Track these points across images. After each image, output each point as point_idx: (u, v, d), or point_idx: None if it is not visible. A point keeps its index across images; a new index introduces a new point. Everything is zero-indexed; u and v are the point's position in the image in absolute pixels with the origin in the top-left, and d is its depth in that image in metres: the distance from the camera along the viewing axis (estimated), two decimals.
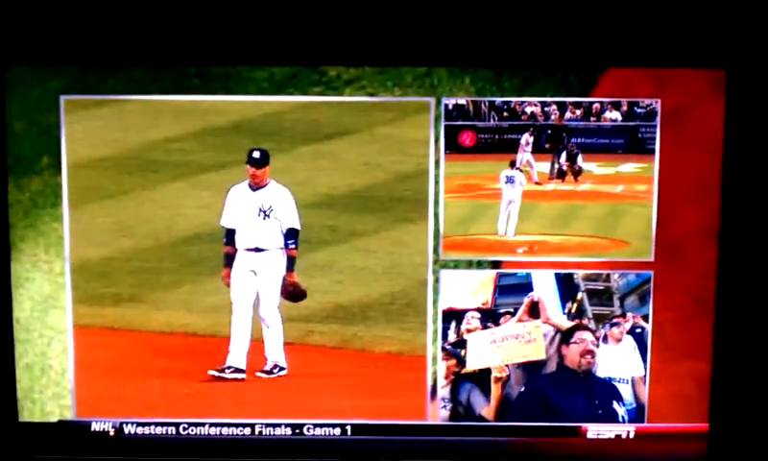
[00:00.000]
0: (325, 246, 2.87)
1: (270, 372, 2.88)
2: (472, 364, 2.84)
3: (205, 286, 2.87)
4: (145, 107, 2.76)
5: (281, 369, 2.88)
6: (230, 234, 2.89)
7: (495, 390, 2.84)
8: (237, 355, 2.87)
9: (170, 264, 2.86)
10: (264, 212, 2.88)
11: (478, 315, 2.83)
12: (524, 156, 2.78)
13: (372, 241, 2.86)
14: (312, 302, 2.87)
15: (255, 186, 2.87)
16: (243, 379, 2.87)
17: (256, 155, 2.81)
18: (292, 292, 2.87)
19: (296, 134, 2.81)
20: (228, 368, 2.86)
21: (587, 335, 2.83)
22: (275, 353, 2.88)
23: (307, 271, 2.87)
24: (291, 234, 2.86)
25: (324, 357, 2.88)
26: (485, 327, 2.82)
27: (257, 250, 2.90)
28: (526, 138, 2.76)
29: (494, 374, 2.84)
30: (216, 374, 2.85)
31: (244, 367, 2.87)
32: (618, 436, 2.84)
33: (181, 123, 2.79)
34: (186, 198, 2.85)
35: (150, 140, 2.80)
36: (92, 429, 2.85)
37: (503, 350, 2.83)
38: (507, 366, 2.83)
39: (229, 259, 2.89)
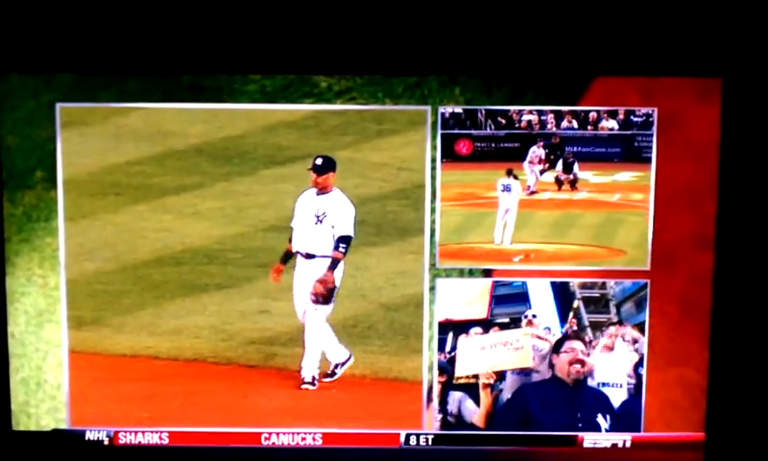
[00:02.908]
0: (288, 269, 2.87)
1: (311, 383, 2.89)
2: (462, 371, 2.85)
3: (167, 309, 2.86)
4: (106, 129, 2.76)
5: (313, 384, 2.88)
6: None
7: (485, 397, 2.84)
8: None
9: (132, 287, 2.86)
10: (317, 217, 2.86)
11: (480, 330, 2.84)
12: (534, 168, 2.79)
13: None
14: (275, 324, 2.87)
15: (319, 191, 2.85)
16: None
17: (318, 161, 2.80)
18: (322, 291, 2.85)
19: (257, 158, 2.82)
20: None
21: (576, 344, 2.83)
22: (310, 367, 2.88)
23: (270, 294, 2.87)
24: (342, 240, 2.85)
25: (287, 380, 2.88)
26: None
27: (308, 256, 2.89)
28: (537, 153, 2.77)
29: (482, 380, 2.84)
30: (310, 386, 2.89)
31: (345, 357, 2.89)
32: (615, 445, 2.84)
33: (143, 146, 2.79)
34: (148, 221, 2.84)
35: (111, 163, 2.79)
36: (86, 438, 2.85)
37: (492, 356, 2.84)
38: (496, 373, 2.84)
39: (286, 256, 2.88)
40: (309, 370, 2.88)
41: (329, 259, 2.87)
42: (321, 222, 2.86)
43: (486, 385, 2.84)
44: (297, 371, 2.88)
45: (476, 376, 2.84)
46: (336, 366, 2.88)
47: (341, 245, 2.85)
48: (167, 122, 2.77)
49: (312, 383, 2.88)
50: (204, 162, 2.82)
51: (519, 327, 2.83)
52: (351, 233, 2.83)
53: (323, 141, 2.79)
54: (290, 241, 2.87)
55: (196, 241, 2.86)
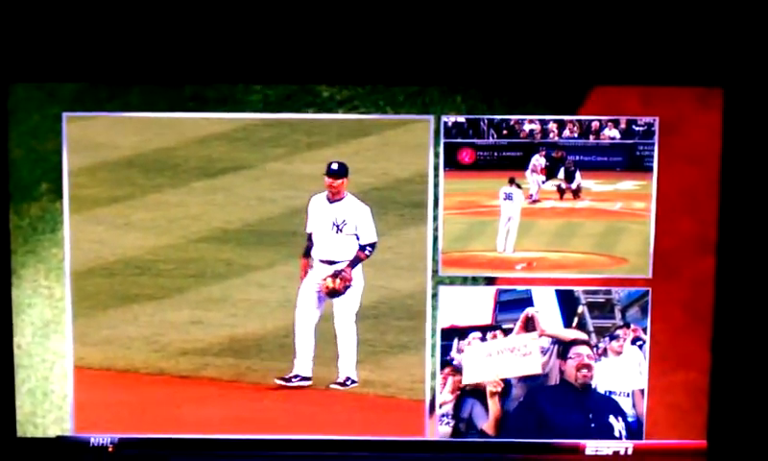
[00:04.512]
0: (220, 280, 2.87)
1: (343, 384, 2.89)
2: (468, 378, 2.85)
3: (99, 320, 2.86)
4: None
5: (353, 382, 2.89)
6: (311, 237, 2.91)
7: (493, 404, 2.85)
8: (303, 364, 2.89)
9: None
10: (337, 226, 2.88)
11: (479, 335, 2.85)
12: (536, 177, 2.80)
13: (267, 275, 2.88)
14: (207, 335, 2.88)
15: (332, 198, 2.86)
16: (309, 387, 2.89)
17: (334, 166, 2.82)
18: (339, 286, 2.88)
19: (189, 170, 2.83)
20: (296, 377, 2.88)
21: (583, 349, 2.84)
22: (347, 367, 2.88)
23: (202, 304, 2.87)
24: (369, 245, 2.87)
25: (218, 390, 2.89)
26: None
27: (330, 262, 2.91)
28: (538, 162, 2.78)
29: (490, 388, 2.85)
30: (283, 382, 2.88)
31: (310, 375, 2.89)
32: (617, 453, 2.85)
33: (74, 157, 2.79)
34: (80, 232, 2.83)
35: None
36: (91, 444, 2.88)
37: (499, 363, 2.84)
38: (504, 380, 2.85)
39: (308, 250, 2.90)
40: (344, 370, 2.89)
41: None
42: (341, 230, 2.88)
43: (493, 393, 2.85)
44: (229, 381, 2.89)
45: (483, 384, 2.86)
46: (347, 379, 2.89)
47: (367, 248, 2.87)
48: (99, 134, 2.78)
49: (344, 384, 2.89)
50: (136, 174, 2.83)
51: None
52: (376, 239, 2.85)
53: (254, 153, 2.81)
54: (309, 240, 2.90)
55: (128, 252, 2.86)
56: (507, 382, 2.85)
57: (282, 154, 2.81)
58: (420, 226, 2.81)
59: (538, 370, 2.84)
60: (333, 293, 2.89)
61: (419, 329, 2.84)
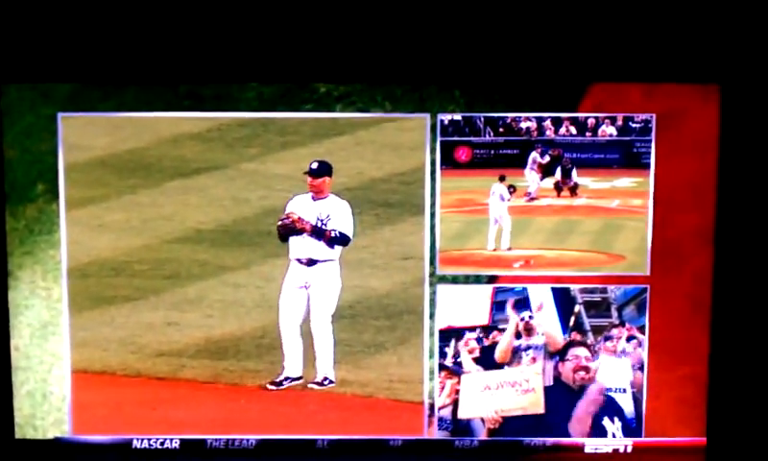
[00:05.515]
0: (195, 280, 2.86)
1: (321, 383, 2.88)
2: (464, 412, 2.85)
3: (75, 322, 2.84)
4: None
5: (331, 381, 2.88)
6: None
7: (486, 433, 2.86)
8: (292, 367, 2.88)
9: None
10: (321, 221, 2.87)
11: (475, 335, 2.84)
12: (534, 175, 2.79)
13: (242, 275, 2.87)
14: (183, 336, 2.87)
15: (316, 197, 2.86)
16: (302, 387, 2.89)
17: (314, 165, 2.81)
18: (295, 227, 2.85)
19: (163, 170, 2.82)
20: (286, 379, 2.88)
21: (580, 351, 2.83)
22: (325, 367, 2.88)
23: (177, 305, 2.86)
24: (342, 235, 2.85)
25: (195, 392, 2.88)
26: (482, 348, 2.83)
27: (310, 262, 2.90)
28: (536, 159, 2.77)
29: (488, 425, 2.85)
30: (274, 387, 2.88)
31: (300, 375, 2.89)
32: (616, 451, 2.85)
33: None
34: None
35: None
36: (90, 445, 2.87)
37: (497, 398, 2.84)
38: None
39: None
40: (322, 371, 2.89)
41: (331, 262, 2.87)
42: (325, 225, 2.87)
43: (490, 431, 2.85)
44: (205, 382, 2.89)
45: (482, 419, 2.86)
46: (325, 379, 2.89)
47: (335, 232, 2.85)
48: (71, 134, 2.77)
49: (322, 384, 2.89)
50: (109, 175, 2.82)
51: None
52: (351, 236, 2.84)
53: (227, 153, 2.81)
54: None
55: (102, 253, 2.84)
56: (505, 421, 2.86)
57: (256, 154, 2.81)
58: (395, 224, 2.81)
59: (540, 409, 2.83)
60: (283, 225, 2.85)
61: (395, 329, 2.84)
